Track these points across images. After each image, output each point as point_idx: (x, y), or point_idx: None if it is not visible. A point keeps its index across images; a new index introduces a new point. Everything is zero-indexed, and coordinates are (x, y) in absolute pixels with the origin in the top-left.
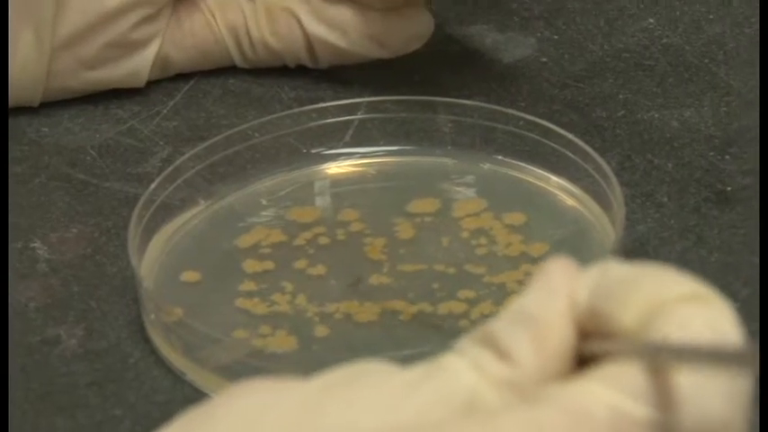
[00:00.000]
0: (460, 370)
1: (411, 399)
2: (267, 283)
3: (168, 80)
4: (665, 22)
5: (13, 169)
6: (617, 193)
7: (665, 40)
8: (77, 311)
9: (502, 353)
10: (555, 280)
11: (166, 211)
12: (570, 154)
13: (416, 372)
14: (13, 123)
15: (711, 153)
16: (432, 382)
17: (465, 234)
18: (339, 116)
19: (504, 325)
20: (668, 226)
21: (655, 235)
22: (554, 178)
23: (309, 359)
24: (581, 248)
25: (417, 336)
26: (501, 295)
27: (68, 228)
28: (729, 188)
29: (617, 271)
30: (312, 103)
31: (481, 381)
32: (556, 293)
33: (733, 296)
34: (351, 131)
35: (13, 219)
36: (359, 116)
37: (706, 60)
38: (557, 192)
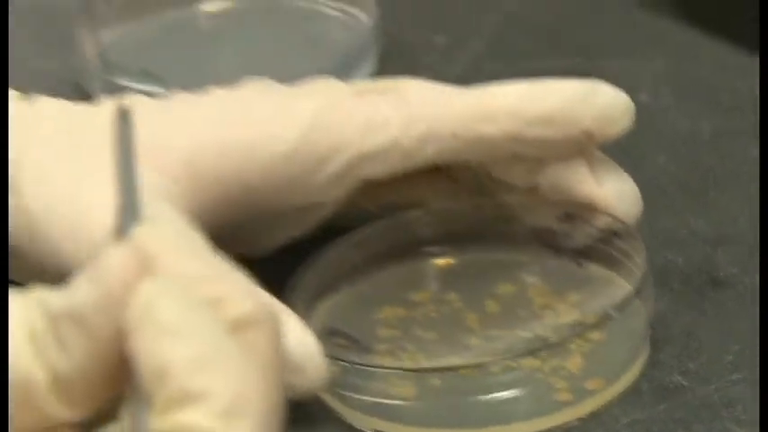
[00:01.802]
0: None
1: None
2: (394, 344)
3: None
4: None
5: None
6: (649, 283)
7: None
8: None
9: None
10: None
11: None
12: (619, 255)
13: None
14: None
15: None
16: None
17: (536, 308)
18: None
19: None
20: (678, 303)
21: (669, 309)
22: (604, 270)
23: (426, 402)
24: (622, 319)
25: (504, 383)
26: (564, 352)
27: None
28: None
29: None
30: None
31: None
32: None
33: (726, 350)
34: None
35: None
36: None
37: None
38: (604, 277)
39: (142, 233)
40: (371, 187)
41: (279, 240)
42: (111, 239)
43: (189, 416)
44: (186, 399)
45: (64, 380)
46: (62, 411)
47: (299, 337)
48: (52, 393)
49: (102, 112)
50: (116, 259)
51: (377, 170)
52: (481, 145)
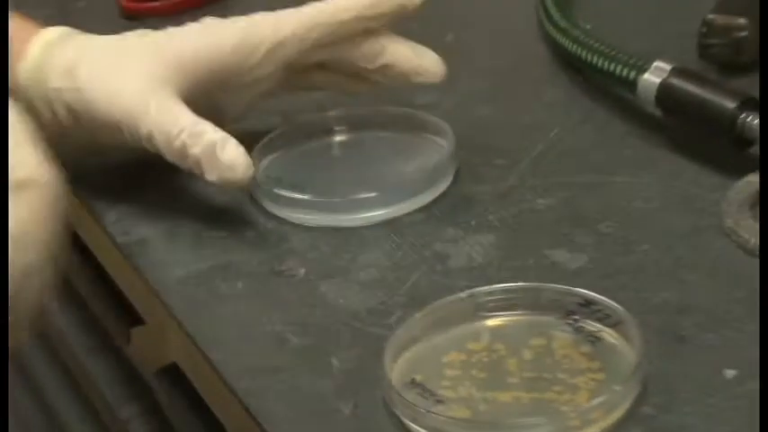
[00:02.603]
0: None
1: None
2: (456, 381)
3: None
4: None
5: None
6: (639, 339)
7: None
8: None
9: None
10: None
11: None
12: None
13: None
14: None
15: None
16: None
17: (558, 357)
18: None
19: None
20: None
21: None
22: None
23: (477, 423)
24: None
25: (533, 411)
26: (575, 388)
27: None
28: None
29: None
30: None
31: None
32: None
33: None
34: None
35: None
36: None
37: None
38: (603, 334)
39: None
40: (291, 74)
41: (239, 108)
42: None
43: None
44: None
45: None
46: None
47: (232, 149)
48: None
49: (128, 37)
50: None
51: (286, 53)
52: (342, 27)
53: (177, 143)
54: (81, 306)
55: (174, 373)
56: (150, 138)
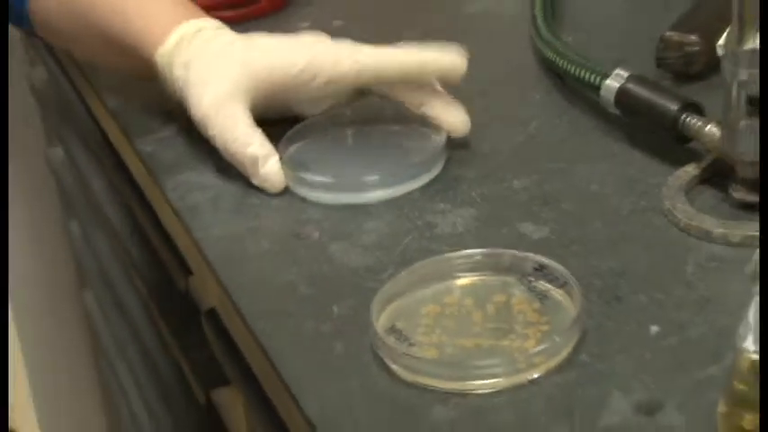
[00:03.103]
0: None
1: None
2: (430, 329)
3: None
4: None
5: None
6: (579, 299)
7: None
8: None
9: None
10: None
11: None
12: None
13: None
14: None
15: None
16: None
17: (514, 312)
18: None
19: None
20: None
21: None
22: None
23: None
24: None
25: (490, 355)
26: (525, 337)
27: None
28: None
29: None
30: None
31: None
32: None
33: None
34: None
35: None
36: None
37: None
38: (551, 293)
39: None
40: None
41: (296, 112)
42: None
43: None
44: None
45: None
46: None
47: (268, 166)
48: None
49: (236, 42)
50: None
51: (339, 87)
52: (391, 77)
53: (230, 149)
54: (153, 252)
55: (215, 316)
56: (213, 138)
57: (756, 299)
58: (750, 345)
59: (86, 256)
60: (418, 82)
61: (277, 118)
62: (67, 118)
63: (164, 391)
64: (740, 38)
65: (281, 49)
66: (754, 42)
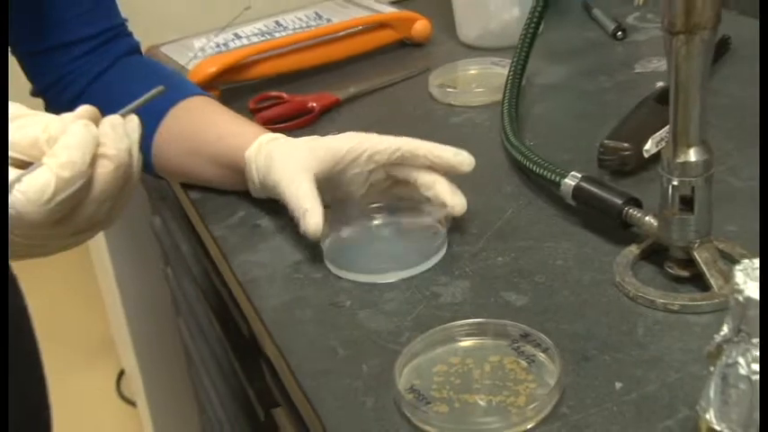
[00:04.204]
0: None
1: None
2: (440, 385)
3: None
4: None
5: None
6: (559, 361)
7: None
8: None
9: None
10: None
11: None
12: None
13: None
14: None
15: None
16: None
17: (506, 370)
18: None
19: None
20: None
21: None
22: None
23: (455, 414)
24: (545, 377)
25: (488, 411)
26: (517, 393)
27: None
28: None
29: None
30: None
31: None
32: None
33: (589, 395)
34: None
35: None
36: None
37: None
38: (536, 356)
39: None
40: (374, 180)
41: (344, 192)
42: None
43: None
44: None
45: None
46: None
47: (309, 219)
48: None
49: (300, 141)
50: None
51: (378, 159)
52: (413, 159)
53: (294, 208)
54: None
55: (272, 368)
56: (287, 203)
57: (716, 377)
58: (713, 418)
59: (178, 293)
60: (436, 167)
61: (330, 202)
62: (164, 197)
63: (234, 405)
64: (674, 152)
65: (335, 139)
66: (685, 156)
